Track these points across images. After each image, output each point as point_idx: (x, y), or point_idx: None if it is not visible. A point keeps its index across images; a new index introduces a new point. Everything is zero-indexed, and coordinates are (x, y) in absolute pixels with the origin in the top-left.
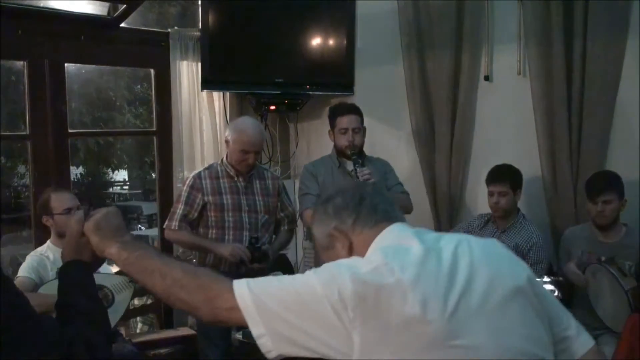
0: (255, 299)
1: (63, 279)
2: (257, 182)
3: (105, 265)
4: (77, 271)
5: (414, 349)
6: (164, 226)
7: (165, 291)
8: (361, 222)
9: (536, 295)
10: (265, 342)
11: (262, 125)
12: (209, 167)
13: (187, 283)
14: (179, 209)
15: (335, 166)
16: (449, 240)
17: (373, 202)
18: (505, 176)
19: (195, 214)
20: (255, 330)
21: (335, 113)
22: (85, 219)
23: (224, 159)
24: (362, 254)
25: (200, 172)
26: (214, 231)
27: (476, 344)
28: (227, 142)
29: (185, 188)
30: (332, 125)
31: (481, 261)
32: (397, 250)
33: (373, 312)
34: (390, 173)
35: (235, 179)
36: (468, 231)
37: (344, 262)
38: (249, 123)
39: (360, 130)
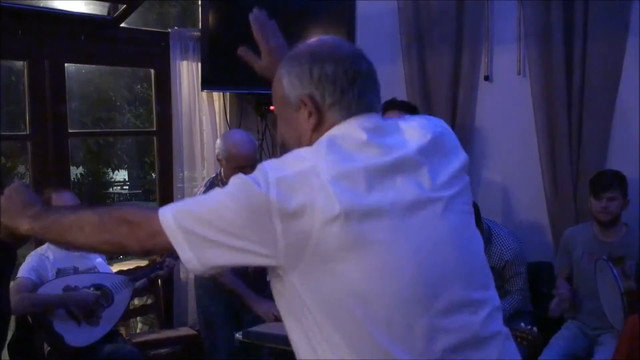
0: (178, 220)
1: None
2: None
3: (105, 265)
4: None
5: (332, 246)
6: None
7: (89, 240)
8: (340, 106)
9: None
10: (193, 264)
11: (251, 135)
12: (212, 180)
13: (105, 223)
14: None
15: None
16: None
17: (362, 88)
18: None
19: None
20: (183, 254)
21: (384, 108)
22: None
23: (220, 174)
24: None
25: (212, 180)
26: None
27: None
28: (219, 160)
29: (200, 189)
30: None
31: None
32: (337, 151)
33: (292, 216)
34: None
35: None
36: None
37: (279, 161)
38: (238, 138)
39: None
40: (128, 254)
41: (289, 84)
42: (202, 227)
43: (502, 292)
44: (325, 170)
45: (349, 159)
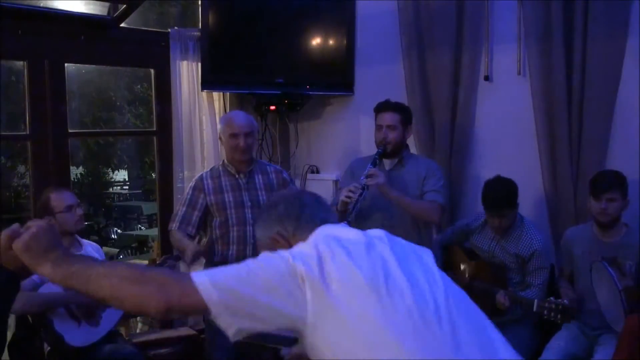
0: (213, 280)
1: None
2: (259, 177)
3: None
4: None
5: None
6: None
7: (115, 290)
8: (300, 230)
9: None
10: (224, 319)
11: (250, 116)
12: (211, 169)
13: (136, 277)
14: (180, 210)
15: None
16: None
17: (312, 212)
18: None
19: (199, 214)
20: (214, 308)
21: (376, 109)
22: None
23: (225, 160)
24: None
25: (202, 174)
26: (218, 230)
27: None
28: (220, 139)
29: (188, 190)
30: (375, 121)
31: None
32: (329, 232)
33: (319, 280)
34: (431, 178)
35: (237, 176)
36: (467, 232)
37: (290, 250)
38: (234, 111)
39: (398, 128)
40: (148, 314)
41: (261, 235)
42: (236, 283)
43: (523, 286)
44: (332, 240)
45: (342, 234)
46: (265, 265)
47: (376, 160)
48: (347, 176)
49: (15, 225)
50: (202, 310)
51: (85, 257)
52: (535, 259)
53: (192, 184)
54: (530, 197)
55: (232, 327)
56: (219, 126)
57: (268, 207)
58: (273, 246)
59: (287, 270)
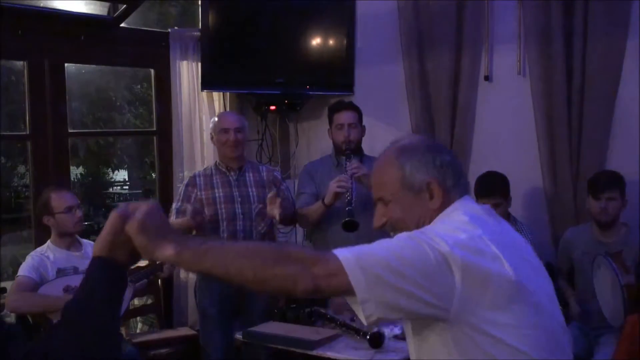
0: (360, 262)
1: (89, 278)
2: (251, 174)
3: None
4: (103, 271)
5: (502, 302)
6: None
7: (258, 272)
8: (458, 188)
9: None
10: (369, 307)
11: (242, 116)
12: (205, 169)
13: (280, 257)
14: (175, 204)
15: (333, 165)
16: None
17: (465, 176)
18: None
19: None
20: (361, 294)
21: (333, 110)
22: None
23: (217, 160)
24: (441, 215)
25: (195, 172)
26: (209, 225)
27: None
28: (212, 138)
29: (181, 187)
30: (330, 122)
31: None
32: (482, 221)
33: (474, 272)
34: None
35: (228, 173)
36: None
37: (438, 228)
38: (224, 111)
39: (358, 126)
40: (294, 295)
41: (412, 171)
42: (384, 271)
43: None
44: (489, 239)
45: (497, 231)
46: (416, 253)
47: (349, 156)
48: (307, 179)
49: (124, 205)
50: (346, 292)
51: (204, 238)
52: None
53: (185, 181)
54: (530, 197)
55: (372, 316)
56: (211, 124)
57: (431, 151)
58: (423, 192)
59: (440, 259)
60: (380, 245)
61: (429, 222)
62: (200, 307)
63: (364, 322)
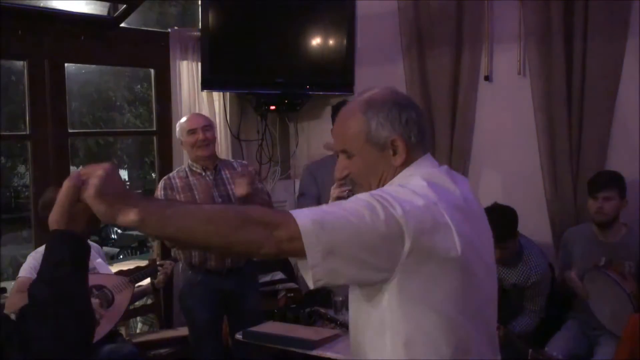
0: (316, 230)
1: (50, 253)
2: (226, 172)
3: (105, 265)
4: (64, 244)
5: (439, 273)
6: None
7: (223, 237)
8: (421, 146)
9: None
10: (318, 272)
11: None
12: (177, 170)
13: (243, 220)
14: None
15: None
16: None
17: (429, 134)
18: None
19: None
20: (312, 259)
21: (337, 110)
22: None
23: (189, 161)
24: (401, 174)
25: (169, 175)
26: None
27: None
28: (181, 143)
29: (159, 193)
30: (333, 122)
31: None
32: (439, 188)
33: (424, 243)
34: None
35: (203, 174)
36: None
37: (397, 192)
38: (189, 115)
39: None
40: (259, 256)
41: (377, 127)
42: (340, 238)
43: (520, 309)
44: (444, 208)
45: (451, 195)
46: (372, 219)
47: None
48: (310, 180)
49: (75, 172)
50: (301, 256)
51: (168, 200)
52: (534, 288)
53: (160, 184)
54: (530, 197)
55: (320, 281)
56: (177, 129)
57: (398, 107)
58: (387, 149)
59: (394, 227)
60: (340, 210)
61: (391, 179)
62: (185, 311)
63: (310, 285)
